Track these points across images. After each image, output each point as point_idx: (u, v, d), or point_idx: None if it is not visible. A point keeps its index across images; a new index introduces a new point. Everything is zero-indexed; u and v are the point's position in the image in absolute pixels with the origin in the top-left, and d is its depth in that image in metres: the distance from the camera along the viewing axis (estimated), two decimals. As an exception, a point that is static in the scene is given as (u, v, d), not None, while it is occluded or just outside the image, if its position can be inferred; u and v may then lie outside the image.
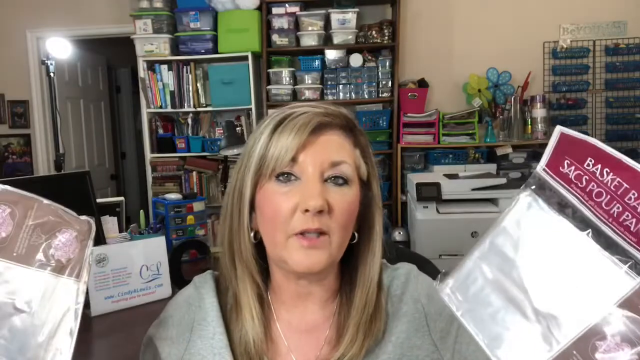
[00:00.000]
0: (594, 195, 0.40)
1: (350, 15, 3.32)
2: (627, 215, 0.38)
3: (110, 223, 2.00)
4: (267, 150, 0.62)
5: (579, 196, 0.41)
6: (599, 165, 0.40)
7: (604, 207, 0.39)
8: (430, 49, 3.63)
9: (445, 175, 2.01)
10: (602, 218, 0.39)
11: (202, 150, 3.53)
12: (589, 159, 0.41)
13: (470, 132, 3.38)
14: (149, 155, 3.59)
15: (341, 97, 3.43)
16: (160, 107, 3.54)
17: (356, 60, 3.39)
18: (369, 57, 3.41)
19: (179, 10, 3.42)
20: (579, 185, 0.41)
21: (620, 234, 0.38)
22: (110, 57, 4.86)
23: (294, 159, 0.61)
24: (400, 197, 3.36)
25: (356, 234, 0.67)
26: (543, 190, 0.44)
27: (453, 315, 0.68)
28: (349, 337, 0.64)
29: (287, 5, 3.36)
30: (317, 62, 3.42)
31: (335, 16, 3.32)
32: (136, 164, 5.39)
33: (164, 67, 3.50)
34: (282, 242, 0.61)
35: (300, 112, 0.63)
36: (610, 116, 3.59)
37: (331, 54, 3.40)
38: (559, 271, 0.40)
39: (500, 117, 3.43)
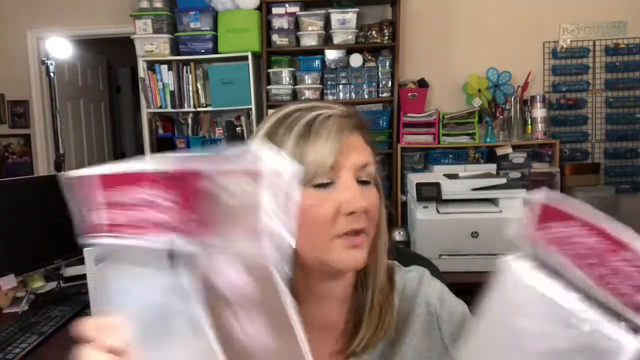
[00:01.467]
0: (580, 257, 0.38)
1: (350, 15, 3.32)
2: (613, 277, 0.36)
3: (110, 223, 2.00)
4: (301, 157, 0.60)
5: (569, 258, 0.39)
6: (581, 228, 0.38)
7: (593, 269, 0.37)
8: (430, 49, 3.63)
9: (445, 175, 2.01)
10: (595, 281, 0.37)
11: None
12: (569, 222, 0.39)
13: (470, 132, 3.38)
14: (149, 155, 3.58)
15: (341, 97, 3.43)
16: (160, 107, 3.54)
17: (356, 60, 3.39)
18: (369, 57, 3.41)
19: (179, 10, 3.42)
20: (567, 249, 0.39)
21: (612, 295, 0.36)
22: (110, 57, 4.86)
23: (332, 166, 0.61)
24: (400, 197, 3.36)
25: None
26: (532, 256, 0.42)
27: (464, 318, 0.69)
28: (366, 322, 0.66)
29: (287, 5, 3.36)
30: (317, 62, 3.42)
31: (335, 16, 3.32)
32: (136, 164, 5.38)
33: (164, 67, 3.50)
34: (326, 245, 0.61)
35: (325, 114, 0.62)
36: (610, 116, 3.59)
37: (331, 54, 3.40)
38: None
39: (500, 117, 3.43)
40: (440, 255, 1.82)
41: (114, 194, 0.36)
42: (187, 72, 3.50)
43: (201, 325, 0.34)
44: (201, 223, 0.34)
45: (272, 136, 0.63)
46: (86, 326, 0.39)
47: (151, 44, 3.46)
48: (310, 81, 3.44)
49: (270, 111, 0.75)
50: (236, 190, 0.33)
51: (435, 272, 1.02)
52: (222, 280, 0.33)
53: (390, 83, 3.40)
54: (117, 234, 0.36)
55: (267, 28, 3.41)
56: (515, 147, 3.32)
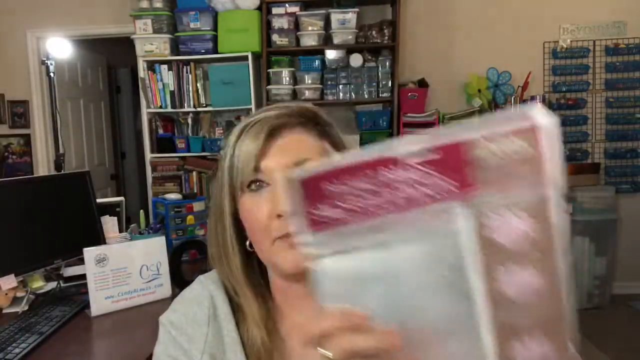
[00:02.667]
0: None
1: (350, 15, 3.32)
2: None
3: (110, 223, 2.00)
4: (232, 164, 0.63)
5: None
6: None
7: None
8: (430, 49, 3.63)
9: (445, 175, 2.01)
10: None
11: (202, 150, 3.53)
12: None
13: (470, 132, 3.38)
14: (149, 155, 3.59)
15: (341, 97, 3.43)
16: (160, 107, 3.54)
17: (356, 60, 3.39)
18: (369, 57, 3.41)
19: (179, 10, 3.42)
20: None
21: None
22: (110, 57, 4.86)
23: (256, 168, 0.62)
24: (400, 197, 3.35)
25: None
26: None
27: None
28: None
29: (287, 5, 3.36)
30: (317, 62, 3.42)
31: (335, 16, 3.32)
32: (136, 164, 5.39)
33: (164, 67, 3.50)
34: (269, 247, 0.62)
35: (256, 119, 0.64)
36: (610, 116, 3.59)
37: (331, 54, 3.40)
38: None
39: (500, 117, 3.43)
40: (440, 255, 1.82)
41: (358, 182, 0.38)
42: (187, 72, 3.50)
43: (473, 292, 0.36)
44: (474, 184, 0.36)
45: (226, 139, 0.66)
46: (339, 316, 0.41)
47: (151, 44, 3.46)
48: (310, 81, 3.44)
49: None
50: (510, 149, 0.34)
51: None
52: (504, 232, 0.35)
53: (390, 83, 3.40)
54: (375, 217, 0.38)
55: (267, 28, 3.41)
56: (515, 147, 3.32)
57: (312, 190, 0.40)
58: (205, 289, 0.71)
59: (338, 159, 0.39)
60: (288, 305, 0.69)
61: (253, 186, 0.62)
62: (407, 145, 0.37)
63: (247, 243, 0.67)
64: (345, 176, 0.39)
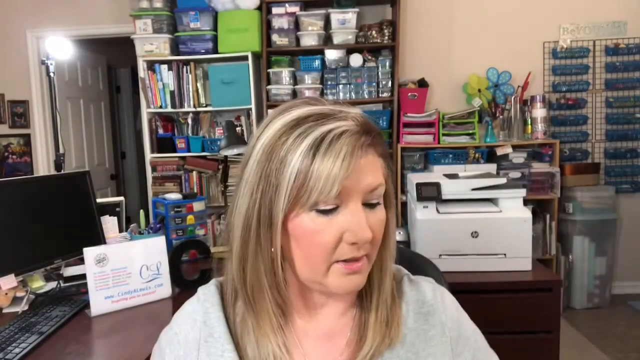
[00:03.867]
0: None
1: (350, 15, 3.32)
2: None
3: (110, 223, 2.00)
4: (307, 178, 0.55)
5: None
6: None
7: None
8: (430, 49, 3.63)
9: (445, 175, 2.01)
10: None
11: (202, 150, 3.53)
12: None
13: (470, 132, 3.38)
14: (149, 155, 3.59)
15: (341, 97, 3.43)
16: (160, 107, 3.54)
17: (356, 60, 3.39)
18: (369, 57, 3.41)
19: (179, 10, 3.42)
20: None
21: None
22: (110, 57, 4.86)
23: (338, 192, 0.56)
24: (400, 197, 3.36)
25: None
26: None
27: (477, 340, 0.68)
28: (372, 330, 0.64)
29: (287, 5, 3.36)
30: (317, 62, 3.42)
31: (335, 16, 3.32)
32: (136, 164, 5.39)
33: (164, 67, 3.50)
34: (324, 269, 0.59)
35: (339, 130, 0.57)
36: (610, 116, 3.59)
37: (331, 54, 3.40)
38: None
39: (500, 117, 3.43)
40: (440, 255, 1.82)
41: None
42: (187, 72, 3.50)
43: None
44: None
45: (277, 146, 0.58)
46: None
47: (151, 44, 3.46)
48: (310, 81, 3.44)
49: (271, 111, 0.68)
50: None
51: (436, 272, 1.02)
52: None
53: (390, 83, 3.40)
54: None
55: (267, 28, 3.41)
56: (515, 147, 3.32)
57: None
58: (201, 304, 0.68)
59: None
60: (299, 313, 0.67)
61: (327, 207, 0.57)
62: None
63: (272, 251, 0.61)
64: None
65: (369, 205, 0.60)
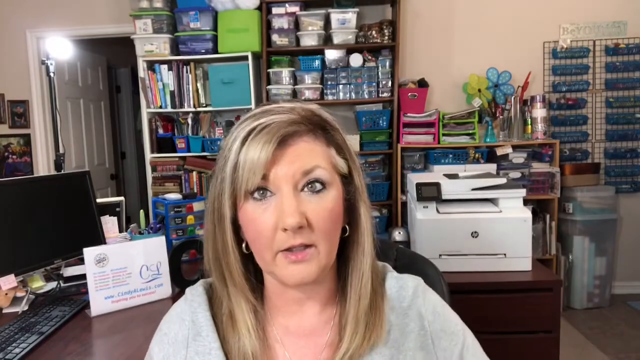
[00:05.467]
0: None
1: (350, 15, 3.32)
2: None
3: (110, 223, 2.00)
4: (236, 170, 0.60)
5: None
6: None
7: None
8: (430, 49, 3.63)
9: (445, 175, 2.01)
10: None
11: (202, 150, 3.53)
12: None
13: (470, 132, 3.38)
14: (149, 155, 3.59)
15: (341, 97, 3.43)
16: (160, 107, 3.54)
17: (356, 60, 3.39)
18: (369, 57, 3.41)
19: (179, 10, 3.42)
20: None
21: None
22: (110, 57, 4.86)
23: (264, 177, 0.59)
24: (400, 197, 3.36)
25: (347, 227, 0.66)
26: None
27: (457, 334, 0.68)
28: (349, 331, 0.63)
29: (287, 5, 3.36)
30: (317, 62, 3.42)
31: (335, 16, 3.32)
32: (136, 164, 5.39)
33: (164, 67, 3.50)
34: (270, 259, 0.60)
35: (265, 124, 0.60)
36: (610, 116, 3.59)
37: (331, 54, 3.40)
38: None
39: (500, 117, 3.43)
40: (440, 255, 1.82)
41: None
42: (187, 72, 3.50)
43: None
44: None
45: (226, 143, 0.63)
46: None
47: (151, 44, 3.46)
48: (310, 81, 3.44)
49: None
50: None
51: (435, 272, 1.02)
52: None
53: (390, 83, 3.40)
54: None
55: (267, 28, 3.41)
56: (515, 147, 3.32)
57: None
58: (189, 305, 0.70)
59: None
60: (280, 310, 0.68)
61: (257, 194, 0.60)
62: None
63: (244, 245, 0.65)
64: None
65: (310, 190, 0.61)
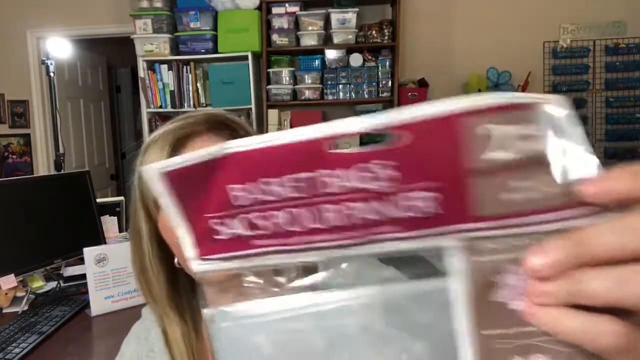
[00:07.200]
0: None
1: (350, 15, 3.32)
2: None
3: (110, 223, 2.00)
4: (141, 182, 0.61)
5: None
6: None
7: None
8: (430, 49, 3.63)
9: (445, 175, 2.01)
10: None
11: (202, 150, 3.53)
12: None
13: (470, 132, 3.38)
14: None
15: (341, 97, 3.43)
16: (160, 107, 3.54)
17: (356, 60, 3.39)
18: (369, 57, 3.41)
19: (179, 10, 3.42)
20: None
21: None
22: (110, 57, 4.86)
23: None
24: (400, 197, 3.35)
25: None
26: None
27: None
28: None
29: (287, 5, 3.36)
30: (317, 62, 3.42)
31: (335, 16, 3.32)
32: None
33: (164, 67, 3.50)
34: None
35: (159, 133, 0.61)
36: (610, 116, 3.59)
37: (331, 54, 3.40)
38: None
39: (500, 117, 3.43)
40: (440, 255, 1.82)
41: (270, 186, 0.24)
42: (187, 72, 3.50)
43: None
44: (465, 204, 0.22)
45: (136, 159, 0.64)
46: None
47: (151, 44, 3.46)
48: (310, 81, 3.44)
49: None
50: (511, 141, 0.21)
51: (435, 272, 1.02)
52: (513, 279, 0.22)
53: (390, 83, 3.40)
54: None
55: (267, 28, 3.41)
56: (515, 147, 3.32)
57: (198, 190, 0.26)
58: (143, 324, 0.72)
59: (249, 142, 0.24)
60: None
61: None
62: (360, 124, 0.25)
63: (176, 260, 0.64)
64: (260, 171, 0.24)
65: None
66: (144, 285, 0.65)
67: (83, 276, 1.49)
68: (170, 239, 0.60)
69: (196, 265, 0.27)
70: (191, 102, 3.52)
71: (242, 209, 0.25)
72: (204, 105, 3.56)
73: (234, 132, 0.65)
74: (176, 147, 0.60)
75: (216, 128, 0.63)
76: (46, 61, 2.33)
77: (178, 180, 0.26)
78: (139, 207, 0.62)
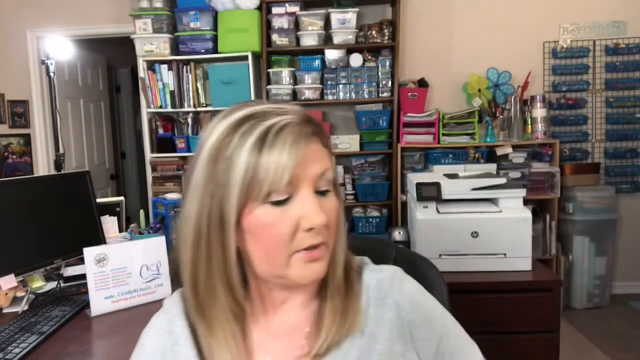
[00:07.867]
0: None
1: (350, 15, 3.32)
2: None
3: (110, 223, 2.00)
4: (257, 172, 0.57)
5: None
6: None
7: None
8: (430, 49, 3.63)
9: (445, 175, 2.01)
10: None
11: (202, 150, 3.52)
12: None
13: (470, 132, 3.38)
14: (149, 155, 3.58)
15: (341, 97, 3.43)
16: (160, 107, 3.54)
17: (356, 60, 3.39)
18: (369, 57, 3.41)
19: (179, 10, 3.42)
20: None
21: None
22: (110, 57, 4.86)
23: (290, 182, 0.57)
24: (400, 197, 3.36)
25: None
26: None
27: (436, 321, 0.67)
28: (327, 322, 0.64)
29: (287, 5, 3.36)
30: (317, 62, 3.42)
31: (335, 16, 3.32)
32: (136, 164, 5.39)
33: (164, 67, 3.50)
34: (284, 261, 0.60)
35: (281, 123, 0.58)
36: (610, 116, 3.59)
37: (331, 54, 3.40)
38: None
39: (500, 117, 3.43)
40: (440, 255, 1.82)
41: None
42: (187, 72, 3.50)
43: None
44: None
45: (223, 147, 0.59)
46: None
47: (151, 44, 3.46)
48: (310, 81, 3.44)
49: (216, 117, 0.69)
50: None
51: (435, 272, 1.02)
52: None
53: (390, 83, 3.40)
54: None
55: (267, 28, 3.41)
56: (515, 147, 3.32)
57: None
58: (166, 315, 0.70)
59: None
60: (261, 313, 0.68)
61: (277, 197, 0.58)
62: None
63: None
64: None
65: (320, 193, 0.61)
66: (216, 274, 0.62)
67: (83, 276, 1.49)
68: (265, 235, 0.59)
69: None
70: (191, 102, 3.52)
71: None
72: (204, 105, 3.56)
73: (324, 137, 0.64)
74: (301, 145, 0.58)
75: (317, 132, 0.62)
76: (46, 61, 2.32)
77: None
78: (235, 199, 0.58)
